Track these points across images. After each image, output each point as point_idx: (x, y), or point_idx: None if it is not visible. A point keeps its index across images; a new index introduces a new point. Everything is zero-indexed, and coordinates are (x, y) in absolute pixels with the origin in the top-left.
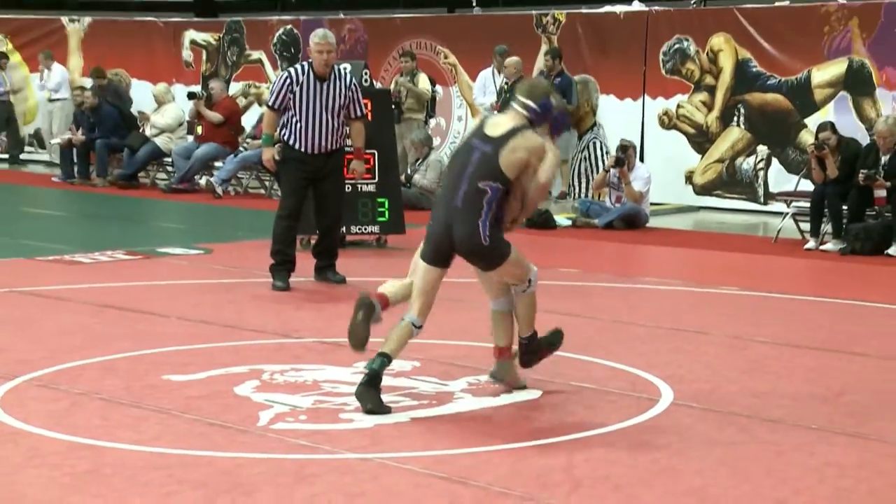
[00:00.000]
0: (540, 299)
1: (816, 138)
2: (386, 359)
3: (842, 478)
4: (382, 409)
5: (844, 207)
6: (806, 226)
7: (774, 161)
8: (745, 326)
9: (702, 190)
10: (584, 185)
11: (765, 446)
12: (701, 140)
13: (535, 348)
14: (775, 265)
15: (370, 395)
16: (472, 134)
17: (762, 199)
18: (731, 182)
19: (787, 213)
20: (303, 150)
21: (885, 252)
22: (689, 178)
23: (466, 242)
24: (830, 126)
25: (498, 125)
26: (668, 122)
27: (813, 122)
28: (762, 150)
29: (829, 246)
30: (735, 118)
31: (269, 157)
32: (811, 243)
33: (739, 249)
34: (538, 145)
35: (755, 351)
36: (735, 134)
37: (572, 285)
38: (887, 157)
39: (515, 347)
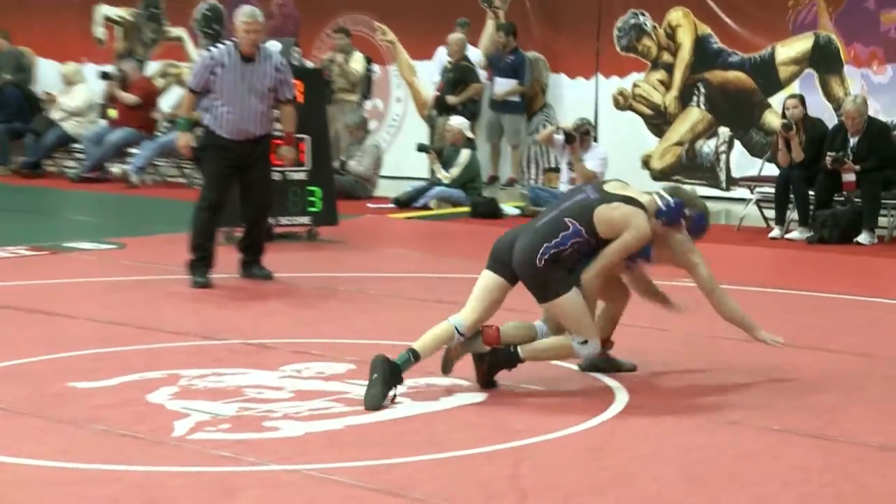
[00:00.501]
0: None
1: (784, 116)
2: (412, 355)
3: (806, 483)
4: (377, 404)
5: (811, 193)
6: (771, 213)
7: (737, 144)
8: (704, 322)
9: (660, 175)
10: (533, 171)
11: (725, 450)
12: (658, 122)
13: (506, 363)
14: (738, 255)
15: (375, 389)
16: (590, 185)
17: (724, 185)
18: (690, 166)
19: (751, 200)
20: (227, 136)
21: (854, 240)
22: (646, 162)
23: (521, 255)
24: (800, 99)
25: (620, 187)
26: (623, 102)
27: (777, 101)
28: (724, 131)
29: (795, 234)
30: (695, 98)
31: (185, 142)
32: (776, 231)
33: (705, 239)
34: (640, 223)
35: (716, 348)
36: (695, 115)
37: None
38: (856, 138)
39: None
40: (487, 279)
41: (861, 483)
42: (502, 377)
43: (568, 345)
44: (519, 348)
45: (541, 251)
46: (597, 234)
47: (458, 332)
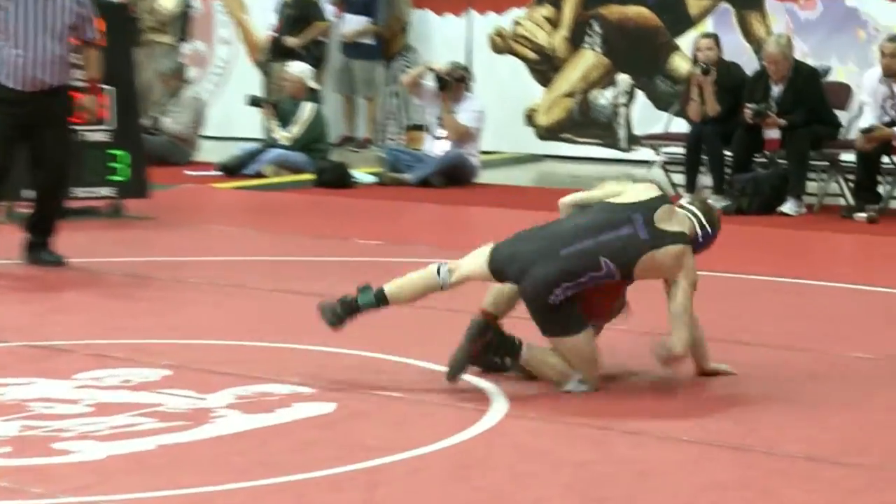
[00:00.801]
0: (338, 283)
1: (695, 61)
2: (381, 299)
3: (723, 502)
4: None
5: (727, 154)
6: (680, 178)
7: (639, 94)
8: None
9: (547, 133)
10: (393, 128)
11: (625, 466)
12: (544, 68)
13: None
14: None
15: (333, 309)
16: (635, 203)
17: (624, 145)
18: (583, 122)
19: (656, 162)
20: (13, 85)
21: (778, 210)
22: (530, 117)
23: (534, 286)
24: (714, 39)
25: (668, 216)
26: (502, 44)
27: (687, 42)
28: (623, 80)
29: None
30: (588, 39)
31: None
32: (685, 200)
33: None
34: (691, 263)
35: (612, 343)
36: (588, 59)
37: (376, 262)
38: (780, 87)
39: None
40: (480, 259)
41: (783, 500)
42: (353, 380)
43: (568, 374)
44: (524, 347)
45: (558, 289)
46: (632, 276)
47: (441, 279)
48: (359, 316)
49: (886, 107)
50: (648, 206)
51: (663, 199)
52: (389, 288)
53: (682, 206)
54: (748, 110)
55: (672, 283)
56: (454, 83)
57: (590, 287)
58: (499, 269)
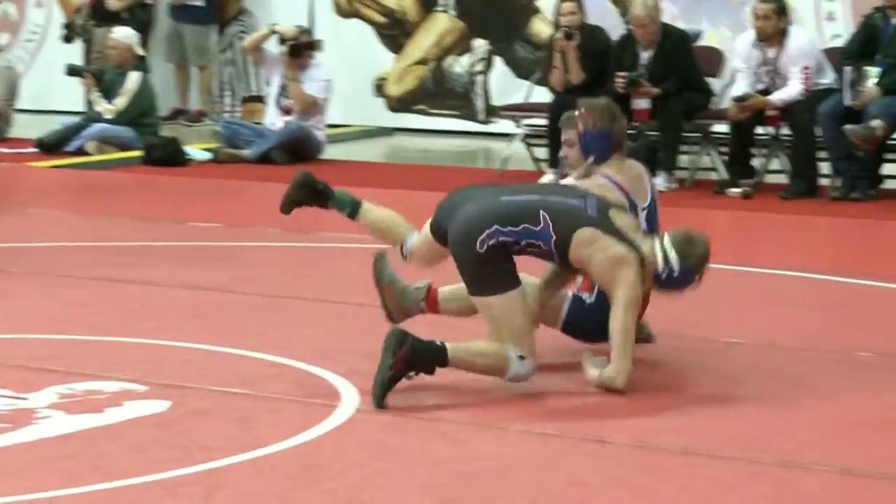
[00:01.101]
0: (170, 270)
1: (557, 26)
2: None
3: (587, 501)
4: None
5: None
6: (542, 152)
7: (498, 62)
8: None
9: (398, 105)
10: (228, 100)
11: (485, 463)
12: (394, 33)
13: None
14: None
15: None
16: (596, 195)
17: (482, 116)
18: (438, 92)
19: (517, 136)
20: None
21: None
22: (379, 87)
23: (461, 228)
24: (577, 1)
25: (622, 217)
26: (348, 7)
27: (548, 4)
28: (480, 46)
29: (572, 179)
30: (441, 1)
31: None
32: (549, 176)
33: (452, 187)
34: (631, 280)
35: (471, 331)
36: (442, 24)
37: (212, 246)
38: (649, 53)
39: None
40: (426, 230)
41: (653, 496)
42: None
43: (504, 356)
44: (448, 347)
45: (487, 231)
46: (566, 257)
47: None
48: None
49: (760, 73)
50: (608, 202)
51: (621, 208)
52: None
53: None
54: (620, 79)
55: (612, 299)
56: (304, 49)
57: (520, 251)
58: (437, 221)
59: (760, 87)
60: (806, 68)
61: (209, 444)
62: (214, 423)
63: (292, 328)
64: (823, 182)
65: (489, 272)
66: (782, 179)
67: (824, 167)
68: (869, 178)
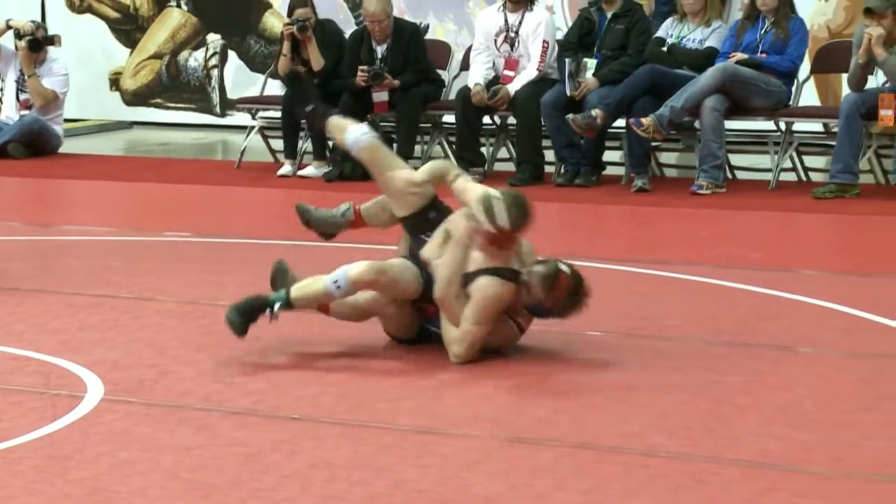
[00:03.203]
0: None
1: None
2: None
3: (333, 481)
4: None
5: None
6: (279, 143)
7: (232, 55)
8: (203, 287)
9: (134, 98)
10: None
11: (231, 449)
12: (128, 27)
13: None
14: (240, 199)
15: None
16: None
17: (218, 109)
18: (174, 86)
19: (254, 128)
20: None
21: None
22: (115, 82)
23: None
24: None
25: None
26: (80, 2)
27: (280, 2)
28: (214, 39)
29: (310, 170)
30: None
31: None
32: (287, 167)
33: (192, 179)
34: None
35: (216, 319)
36: (175, 18)
37: None
38: (384, 46)
39: None
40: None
41: (396, 476)
42: None
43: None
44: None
45: None
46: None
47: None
48: None
49: (499, 42)
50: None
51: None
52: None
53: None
54: (363, 73)
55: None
56: (42, 43)
57: None
58: None
59: (492, 75)
60: (545, 43)
61: None
62: None
63: (35, 321)
64: (549, 169)
65: None
66: (510, 167)
67: (549, 155)
68: (591, 165)
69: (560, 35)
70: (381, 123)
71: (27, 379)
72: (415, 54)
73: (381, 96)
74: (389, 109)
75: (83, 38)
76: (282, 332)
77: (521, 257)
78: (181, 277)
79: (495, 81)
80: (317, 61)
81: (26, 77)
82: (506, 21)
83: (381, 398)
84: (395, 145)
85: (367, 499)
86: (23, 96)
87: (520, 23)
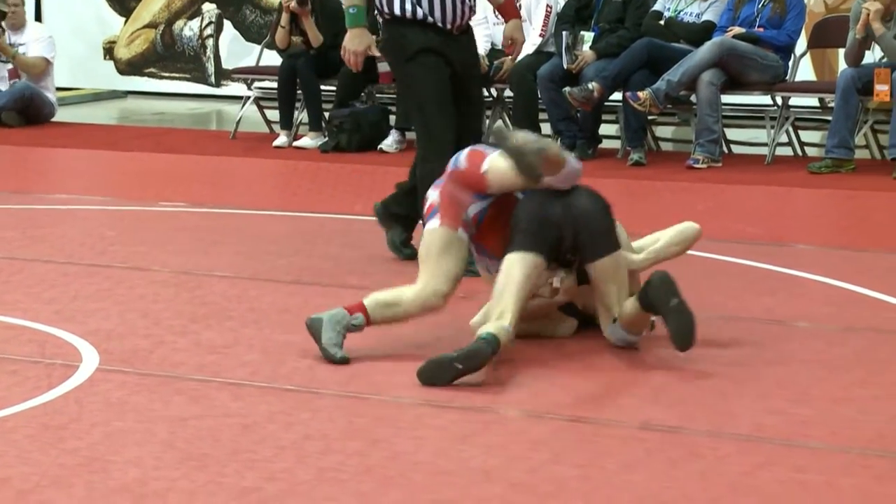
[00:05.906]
0: None
1: None
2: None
3: (328, 453)
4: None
5: (330, 89)
6: (275, 114)
7: (228, 25)
8: (198, 257)
9: (128, 68)
10: None
11: (227, 419)
12: None
13: None
14: (237, 170)
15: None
16: None
17: (213, 80)
18: (169, 56)
19: (249, 98)
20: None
21: (379, 147)
22: (108, 51)
23: None
24: None
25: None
26: None
27: None
28: (209, 9)
29: (305, 141)
30: None
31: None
32: (282, 138)
33: (187, 149)
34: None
35: (211, 290)
36: None
37: None
38: None
39: None
40: None
41: (392, 447)
42: None
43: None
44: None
45: None
46: None
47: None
48: None
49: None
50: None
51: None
52: None
53: None
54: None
55: None
56: (11, 12)
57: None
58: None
59: (489, 47)
60: (548, 7)
61: None
62: None
63: (29, 290)
64: None
65: None
66: None
67: (546, 128)
68: (588, 139)
69: (558, 7)
70: (381, 94)
71: (22, 348)
72: None
73: (386, 67)
74: (393, 81)
75: (77, 7)
76: (277, 302)
77: None
78: (176, 247)
79: (495, 53)
80: (315, 38)
81: (10, 58)
82: None
83: (376, 370)
84: (393, 118)
85: (362, 470)
86: (9, 66)
87: None
